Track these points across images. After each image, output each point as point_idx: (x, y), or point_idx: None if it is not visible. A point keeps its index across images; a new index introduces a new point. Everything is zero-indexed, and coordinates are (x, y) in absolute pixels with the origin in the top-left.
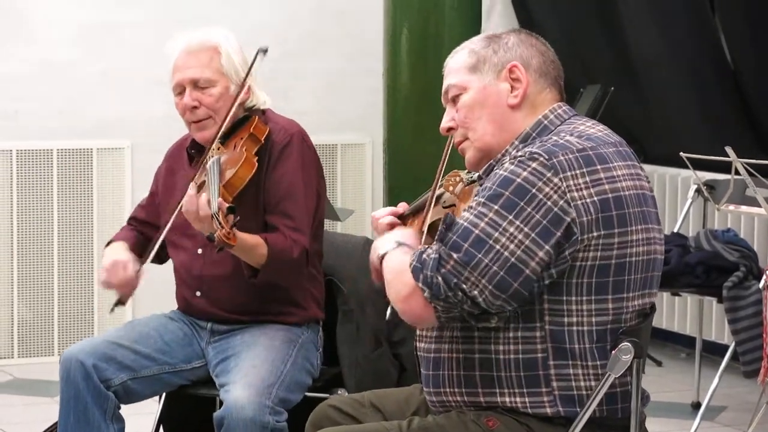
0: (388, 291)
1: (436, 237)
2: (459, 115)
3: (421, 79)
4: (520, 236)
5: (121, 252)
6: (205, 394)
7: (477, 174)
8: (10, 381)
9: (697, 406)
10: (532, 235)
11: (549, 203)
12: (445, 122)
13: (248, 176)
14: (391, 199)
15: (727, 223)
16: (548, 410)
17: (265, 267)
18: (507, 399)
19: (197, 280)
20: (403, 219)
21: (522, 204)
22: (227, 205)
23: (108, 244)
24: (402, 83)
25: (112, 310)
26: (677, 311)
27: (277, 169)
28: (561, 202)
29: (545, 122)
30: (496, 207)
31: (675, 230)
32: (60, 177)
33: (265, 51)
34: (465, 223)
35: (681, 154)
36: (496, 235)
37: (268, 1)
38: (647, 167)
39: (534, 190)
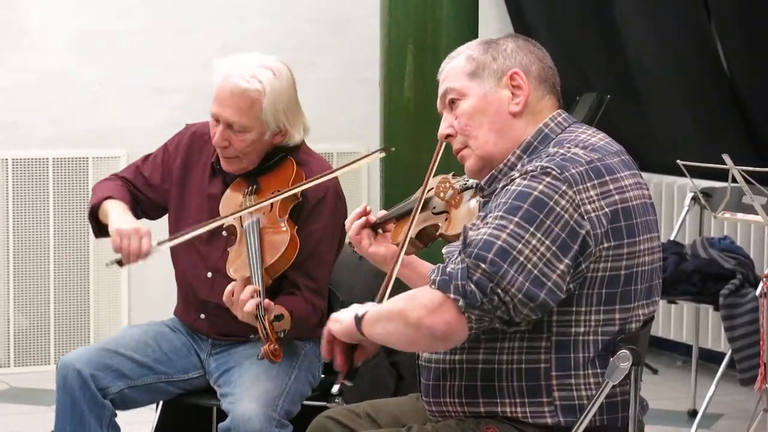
0: (402, 320)
1: (459, 250)
2: (459, 122)
3: (418, 88)
4: (542, 249)
5: (137, 221)
6: (204, 404)
7: (471, 181)
8: (7, 390)
9: (693, 413)
10: (553, 248)
11: (566, 216)
12: (444, 129)
13: (293, 257)
14: (387, 208)
15: (724, 231)
16: (549, 420)
17: (290, 332)
18: (507, 409)
19: (202, 304)
20: (381, 225)
21: (541, 216)
22: (275, 312)
23: (106, 196)
24: (399, 92)
25: (108, 265)
26: (673, 319)
27: (307, 225)
28: (576, 216)
29: (546, 130)
30: (516, 219)
31: (671, 238)
32: (56, 186)
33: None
34: (485, 237)
35: (678, 161)
36: (520, 246)
37: (266, 10)
38: (643, 175)
39: (551, 203)
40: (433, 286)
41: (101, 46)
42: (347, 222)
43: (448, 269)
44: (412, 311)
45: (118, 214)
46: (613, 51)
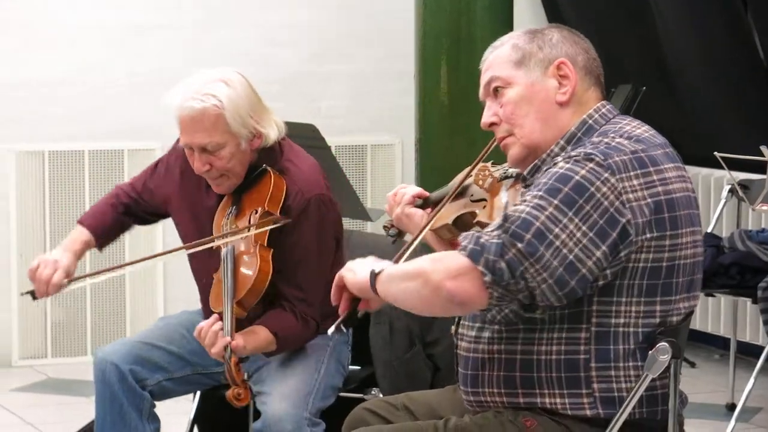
0: (422, 280)
1: (497, 223)
2: (504, 110)
3: (453, 80)
4: (578, 234)
5: (67, 251)
6: None
7: (511, 170)
8: (44, 381)
9: (732, 407)
10: (590, 234)
11: (606, 203)
12: (487, 117)
13: (264, 287)
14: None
15: (762, 224)
16: (588, 412)
17: (277, 350)
18: (546, 400)
19: (212, 311)
20: (424, 205)
21: (581, 202)
22: (241, 353)
23: (80, 221)
24: (434, 85)
25: (22, 294)
26: (711, 312)
27: (292, 235)
28: (617, 203)
29: (590, 122)
30: (555, 201)
31: (709, 230)
32: (92, 178)
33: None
34: (523, 215)
35: (715, 153)
36: (557, 230)
37: (300, 3)
38: None
39: (592, 189)
40: (462, 252)
41: (136, 38)
42: (394, 203)
43: (482, 239)
44: (434, 273)
45: (63, 243)
46: (648, 42)
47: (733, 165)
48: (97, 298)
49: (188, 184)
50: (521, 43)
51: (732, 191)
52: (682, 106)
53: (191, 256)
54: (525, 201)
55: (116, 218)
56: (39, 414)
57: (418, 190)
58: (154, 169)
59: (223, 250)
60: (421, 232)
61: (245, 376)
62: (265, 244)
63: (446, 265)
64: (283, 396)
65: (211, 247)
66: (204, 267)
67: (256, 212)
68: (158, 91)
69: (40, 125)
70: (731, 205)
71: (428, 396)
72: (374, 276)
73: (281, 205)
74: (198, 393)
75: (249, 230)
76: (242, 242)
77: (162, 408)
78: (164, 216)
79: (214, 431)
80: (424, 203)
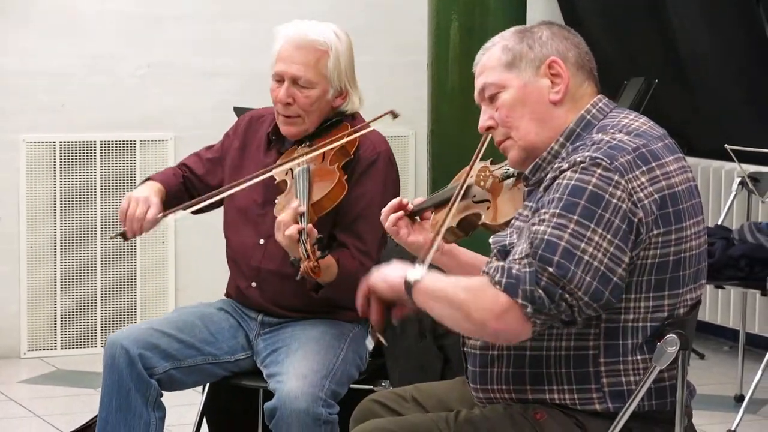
0: (464, 314)
1: (524, 251)
2: (499, 114)
3: (466, 71)
4: (605, 244)
5: (153, 193)
6: (250, 386)
7: (512, 170)
8: (54, 372)
9: (740, 399)
10: (616, 241)
11: (624, 206)
12: (484, 121)
13: (339, 199)
14: (434, 191)
15: None
16: (597, 406)
17: (330, 286)
18: (556, 396)
19: (254, 271)
20: (418, 213)
21: (600, 211)
22: (317, 235)
23: (148, 178)
24: (447, 75)
25: (112, 237)
26: (720, 304)
27: (358, 186)
28: (630, 204)
29: (588, 117)
30: (575, 217)
31: (719, 223)
32: (103, 169)
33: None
34: (546, 237)
35: (726, 146)
36: (583, 245)
37: None
38: (691, 160)
39: (608, 196)
40: (498, 287)
41: (149, 29)
42: (383, 214)
43: (513, 271)
44: (476, 311)
45: (139, 189)
46: (661, 35)
47: (744, 157)
48: (107, 289)
49: (247, 151)
50: (511, 44)
51: (742, 183)
52: (693, 99)
53: (234, 221)
54: (543, 220)
55: (179, 183)
56: (47, 406)
57: (392, 206)
58: (210, 146)
59: (298, 169)
60: (434, 240)
61: (320, 255)
62: (343, 173)
63: (488, 305)
64: (299, 375)
65: (270, 186)
66: (255, 227)
67: (332, 149)
68: (171, 82)
69: (51, 115)
70: (741, 198)
71: (438, 388)
72: (410, 285)
73: (354, 149)
74: (207, 385)
75: (324, 146)
76: (317, 165)
77: (170, 399)
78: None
79: (224, 423)
80: (415, 212)
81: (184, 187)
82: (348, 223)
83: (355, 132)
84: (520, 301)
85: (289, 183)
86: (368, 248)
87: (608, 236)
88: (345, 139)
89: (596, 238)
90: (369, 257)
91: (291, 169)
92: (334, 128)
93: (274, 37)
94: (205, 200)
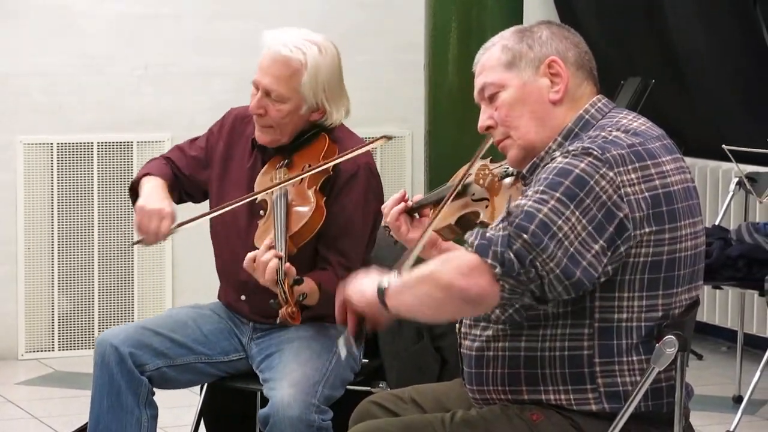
0: (433, 282)
1: (501, 218)
2: (499, 113)
3: (463, 71)
4: (578, 227)
5: (164, 199)
6: (247, 388)
7: (511, 169)
8: (50, 374)
9: (738, 399)
10: (589, 228)
11: (605, 197)
12: (484, 121)
13: (318, 226)
14: (431, 191)
15: None
16: (593, 407)
17: (314, 307)
18: (552, 396)
19: (243, 285)
20: (417, 209)
21: (582, 195)
22: (295, 275)
23: (144, 174)
24: (444, 76)
25: (132, 245)
26: (718, 304)
27: (339, 200)
28: (615, 197)
29: (587, 117)
30: (557, 194)
31: (716, 223)
32: (100, 170)
33: (389, 138)
34: (526, 208)
35: (723, 146)
36: (560, 222)
37: None
38: (688, 159)
39: (592, 183)
40: (470, 249)
41: (146, 30)
42: (385, 207)
43: (488, 234)
44: (444, 273)
45: (148, 191)
46: (659, 35)
47: (741, 158)
48: (104, 291)
49: (233, 154)
50: (510, 43)
51: (740, 184)
52: (690, 99)
53: (222, 234)
54: (527, 196)
55: (172, 177)
56: (45, 407)
57: (394, 200)
58: (194, 140)
59: (275, 194)
60: (424, 233)
61: (300, 297)
62: (322, 196)
63: (455, 264)
64: (292, 382)
65: (255, 200)
66: (241, 240)
67: (309, 165)
68: (167, 83)
69: (48, 116)
70: (739, 198)
71: (435, 389)
72: (382, 291)
73: (333, 164)
74: (205, 385)
75: (304, 173)
76: (294, 189)
77: (168, 400)
78: (201, 186)
79: (221, 424)
80: (414, 209)
81: (175, 182)
82: (330, 239)
83: (341, 157)
84: (489, 260)
85: (269, 203)
86: (351, 264)
87: (583, 221)
88: (330, 164)
89: (573, 219)
90: (348, 270)
91: (272, 192)
92: (313, 140)
93: (262, 40)
94: (204, 216)
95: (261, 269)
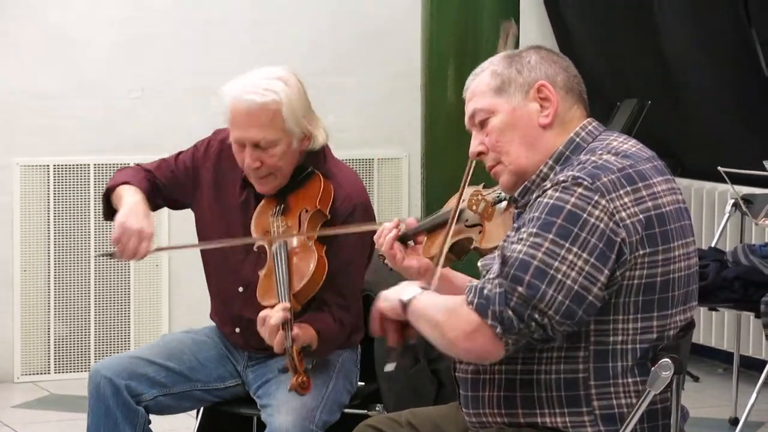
0: (439, 333)
1: (496, 270)
2: (489, 139)
3: (461, 93)
4: (579, 263)
5: (145, 217)
6: (244, 413)
7: (503, 194)
8: (47, 397)
9: (734, 421)
10: (591, 260)
11: (602, 226)
12: (475, 147)
13: (321, 281)
14: (428, 214)
15: (765, 238)
16: (589, 429)
17: (317, 350)
18: (547, 419)
19: (236, 318)
20: (411, 237)
21: (576, 230)
22: (302, 342)
23: (122, 182)
24: (441, 98)
25: (98, 256)
26: (714, 326)
27: (336, 241)
28: (611, 224)
29: (577, 140)
30: (550, 236)
31: (712, 245)
32: (97, 192)
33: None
34: (520, 255)
35: (719, 168)
36: (556, 264)
37: (308, 15)
38: (684, 181)
39: (585, 215)
40: (470, 307)
41: (142, 52)
42: (379, 236)
43: (485, 292)
44: (449, 330)
45: (129, 205)
46: (654, 57)
47: (737, 179)
48: (100, 313)
49: (222, 186)
50: (500, 69)
51: (735, 205)
52: (686, 120)
53: (213, 266)
54: (521, 239)
55: (152, 189)
56: (41, 430)
57: (390, 226)
58: (178, 155)
59: (275, 245)
60: (437, 265)
61: (309, 366)
62: (322, 246)
63: (459, 323)
64: (290, 409)
65: (252, 246)
66: (234, 274)
67: (307, 211)
68: (163, 105)
69: (45, 138)
70: (735, 220)
71: (432, 412)
72: (404, 304)
73: (329, 207)
74: (201, 408)
75: (301, 229)
76: (292, 240)
77: (164, 424)
78: (181, 205)
79: None
80: (408, 236)
81: (152, 192)
82: (328, 280)
83: (345, 229)
84: (489, 321)
85: (267, 252)
86: (348, 302)
87: (584, 255)
88: (332, 232)
89: (570, 257)
90: (349, 311)
91: (268, 231)
92: (305, 182)
93: (221, 97)
94: (188, 247)
95: (269, 335)
